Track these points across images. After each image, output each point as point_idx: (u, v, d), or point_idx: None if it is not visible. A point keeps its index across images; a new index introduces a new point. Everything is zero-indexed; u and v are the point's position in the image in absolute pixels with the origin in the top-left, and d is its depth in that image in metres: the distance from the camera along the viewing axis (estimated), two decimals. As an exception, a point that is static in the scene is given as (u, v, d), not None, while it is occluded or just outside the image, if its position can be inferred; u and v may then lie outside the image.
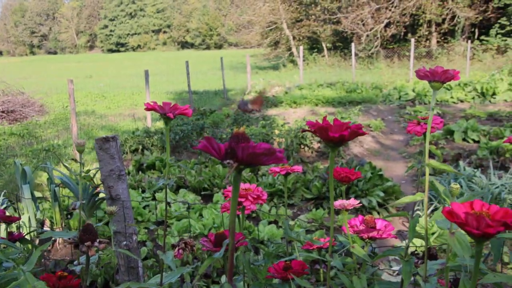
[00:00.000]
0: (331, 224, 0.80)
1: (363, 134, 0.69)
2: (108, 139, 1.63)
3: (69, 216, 4.25)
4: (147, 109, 0.97)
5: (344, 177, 1.35)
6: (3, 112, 9.46)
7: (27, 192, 3.85)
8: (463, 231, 0.83)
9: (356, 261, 1.20)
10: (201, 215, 4.17)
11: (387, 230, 1.06)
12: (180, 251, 1.36)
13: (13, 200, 4.29)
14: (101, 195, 3.15)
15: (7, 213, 3.81)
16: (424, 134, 1.08)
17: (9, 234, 1.82)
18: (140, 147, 6.62)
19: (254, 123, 7.66)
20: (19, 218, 1.88)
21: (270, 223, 3.97)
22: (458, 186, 0.80)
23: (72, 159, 1.35)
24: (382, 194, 4.44)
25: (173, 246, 1.40)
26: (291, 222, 3.74)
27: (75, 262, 1.06)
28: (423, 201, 3.27)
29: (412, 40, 13.68)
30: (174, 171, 5.53)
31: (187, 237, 3.70)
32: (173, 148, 6.77)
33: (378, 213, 4.37)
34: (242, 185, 1.13)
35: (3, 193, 4.22)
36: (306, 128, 0.85)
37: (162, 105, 0.95)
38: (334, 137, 0.66)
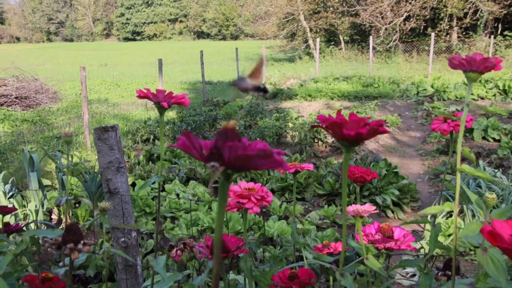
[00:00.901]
0: (343, 235, 0.68)
1: (384, 132, 0.57)
2: (107, 129, 1.53)
3: (77, 205, 4.20)
4: (140, 96, 0.86)
5: (359, 178, 1.23)
6: (16, 98, 9.48)
7: (34, 180, 3.79)
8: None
9: (369, 272, 1.08)
10: (210, 208, 4.08)
11: (406, 240, 0.95)
12: (179, 252, 1.26)
13: (20, 187, 4.25)
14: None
15: (15, 201, 3.76)
16: (451, 132, 0.96)
17: (6, 225, 1.74)
18: (152, 137, 6.56)
19: (267, 116, 7.53)
20: (15, 209, 1.80)
21: (280, 218, 3.86)
22: (494, 196, 0.68)
23: (59, 151, 1.26)
24: (397, 192, 4.30)
25: (171, 247, 1.30)
26: (299, 225, 3.63)
27: (60, 264, 0.97)
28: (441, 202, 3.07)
29: (432, 34, 13.35)
30: (184, 162, 5.45)
31: (195, 231, 3.60)
32: (185, 138, 6.68)
33: (393, 212, 4.24)
34: (246, 184, 1.02)
35: (10, 180, 4.17)
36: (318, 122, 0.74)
37: (155, 92, 0.84)
38: (349, 135, 0.54)
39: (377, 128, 0.55)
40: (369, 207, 0.98)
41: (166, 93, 0.84)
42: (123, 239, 1.57)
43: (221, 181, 0.41)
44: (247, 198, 0.96)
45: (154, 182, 0.85)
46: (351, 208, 0.95)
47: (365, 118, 0.56)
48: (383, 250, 0.93)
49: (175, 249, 1.25)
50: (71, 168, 1.07)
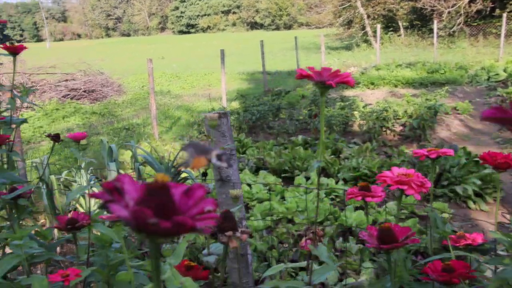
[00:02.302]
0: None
1: None
2: (220, 116, 1.50)
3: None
4: (301, 76, 0.81)
5: (502, 164, 1.13)
6: (84, 91, 9.85)
7: (114, 169, 3.89)
8: None
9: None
10: (282, 197, 4.05)
11: None
12: (308, 241, 1.21)
13: (100, 177, 4.39)
14: (184, 174, 3.10)
15: (96, 190, 3.88)
16: None
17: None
18: (217, 127, 6.60)
19: (331, 104, 7.40)
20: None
21: (356, 208, 3.76)
22: None
23: (202, 135, 1.24)
24: (478, 182, 4.09)
25: (300, 236, 1.26)
26: (376, 215, 3.51)
27: (205, 252, 0.94)
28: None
29: (504, 15, 12.59)
30: (252, 152, 5.45)
31: (270, 221, 3.56)
32: (250, 128, 6.68)
33: (474, 202, 4.03)
34: (397, 169, 0.95)
35: (89, 170, 4.32)
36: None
37: (320, 71, 0.78)
38: None
39: None
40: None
41: (331, 72, 0.79)
42: (235, 227, 1.54)
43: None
44: (407, 184, 0.90)
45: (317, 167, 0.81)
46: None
47: None
48: None
49: (304, 239, 1.20)
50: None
